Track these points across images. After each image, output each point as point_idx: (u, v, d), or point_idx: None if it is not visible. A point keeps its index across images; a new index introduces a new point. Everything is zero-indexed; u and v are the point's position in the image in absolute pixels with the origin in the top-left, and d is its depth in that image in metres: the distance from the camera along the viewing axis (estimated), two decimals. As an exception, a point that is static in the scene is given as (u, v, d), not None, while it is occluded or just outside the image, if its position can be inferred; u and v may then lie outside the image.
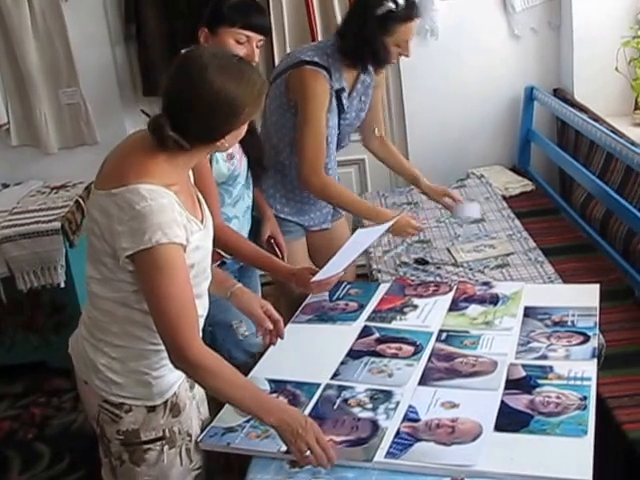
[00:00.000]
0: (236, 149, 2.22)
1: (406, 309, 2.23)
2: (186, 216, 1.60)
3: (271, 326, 1.98)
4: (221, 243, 2.04)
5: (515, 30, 3.58)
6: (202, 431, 1.80)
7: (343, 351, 2.05)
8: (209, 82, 1.53)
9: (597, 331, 2.00)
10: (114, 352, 1.67)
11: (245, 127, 1.67)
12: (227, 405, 1.85)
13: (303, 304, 2.36)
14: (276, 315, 2.00)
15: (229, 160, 2.20)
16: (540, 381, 1.81)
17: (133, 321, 1.66)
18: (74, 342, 1.78)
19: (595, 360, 1.88)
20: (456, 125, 3.73)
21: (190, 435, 1.77)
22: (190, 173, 1.77)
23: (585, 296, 2.17)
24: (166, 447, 1.72)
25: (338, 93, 2.44)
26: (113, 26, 3.63)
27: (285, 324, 2.08)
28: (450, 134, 3.74)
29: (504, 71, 3.65)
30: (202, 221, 1.72)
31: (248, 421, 1.78)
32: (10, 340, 3.47)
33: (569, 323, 2.05)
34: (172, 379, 1.71)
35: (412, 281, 2.44)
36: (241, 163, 2.26)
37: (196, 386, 1.83)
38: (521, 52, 3.63)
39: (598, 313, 2.08)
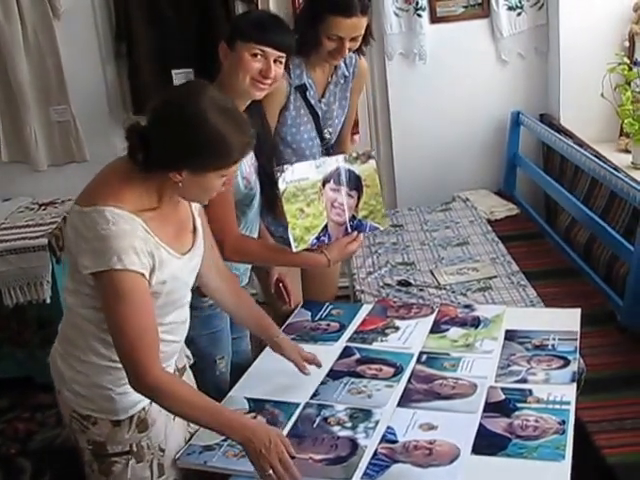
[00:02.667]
0: (252, 174, 2.17)
1: (387, 330, 2.24)
2: (154, 242, 1.60)
3: (309, 372, 2.00)
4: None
5: (502, 55, 3.61)
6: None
7: (323, 371, 2.05)
8: (203, 114, 1.52)
9: (577, 355, 2.01)
10: (79, 366, 1.71)
11: (213, 184, 1.62)
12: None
13: (285, 323, 2.37)
14: (310, 356, 2.03)
15: (247, 183, 2.16)
16: (519, 404, 1.81)
17: (97, 337, 1.68)
18: (52, 353, 1.82)
19: (574, 384, 1.88)
20: (442, 148, 3.75)
21: (163, 450, 1.77)
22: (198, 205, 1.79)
23: (566, 320, 2.18)
24: (132, 461, 1.74)
25: (302, 90, 2.41)
26: (104, 44, 3.65)
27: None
28: (436, 157, 3.76)
29: (491, 95, 3.68)
30: (186, 252, 1.71)
31: (226, 440, 1.77)
32: (-4, 356, 3.46)
33: (549, 347, 2.06)
34: (138, 397, 1.69)
35: (394, 302, 2.44)
36: (256, 187, 2.22)
37: None
38: (508, 77, 3.66)
39: (579, 337, 2.09)
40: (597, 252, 2.90)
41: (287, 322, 2.38)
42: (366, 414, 1.84)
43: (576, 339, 2.08)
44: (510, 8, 3.53)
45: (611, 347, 2.44)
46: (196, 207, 1.81)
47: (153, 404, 1.73)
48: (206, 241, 1.85)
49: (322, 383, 2.00)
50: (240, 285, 2.16)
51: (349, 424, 1.80)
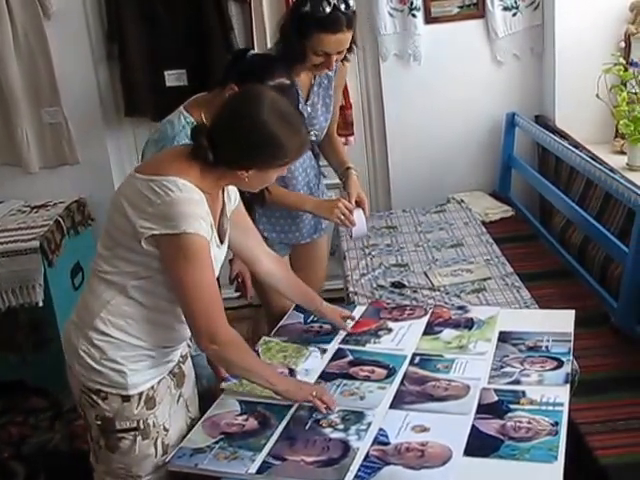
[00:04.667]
0: None
1: (380, 332, 2.23)
2: (211, 222, 1.74)
3: (349, 328, 2.25)
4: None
5: (497, 56, 3.60)
6: (190, 428, 1.89)
7: (316, 374, 2.04)
8: (262, 120, 1.68)
9: (571, 357, 2.00)
10: (96, 339, 1.76)
11: (273, 177, 1.81)
12: (197, 426, 1.88)
13: (278, 325, 2.36)
14: (348, 313, 2.31)
15: None
16: (512, 406, 1.80)
17: (121, 312, 1.75)
18: (66, 327, 1.87)
19: (568, 386, 1.87)
20: (437, 149, 3.74)
21: (167, 430, 1.84)
22: (237, 201, 1.97)
23: (560, 322, 2.17)
24: (139, 438, 1.79)
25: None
26: (96, 45, 3.64)
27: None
28: (431, 158, 3.75)
29: (486, 96, 3.67)
30: (222, 241, 1.86)
31: (217, 442, 1.78)
32: (-13, 359, 3.44)
33: (543, 348, 2.05)
34: (149, 375, 1.80)
35: (388, 304, 2.43)
36: None
37: (184, 384, 1.96)
38: (503, 78, 3.65)
39: (572, 339, 2.07)
40: (592, 253, 2.90)
41: (279, 324, 2.37)
42: (358, 416, 1.83)
43: (570, 340, 2.07)
44: (505, 8, 3.53)
45: (605, 348, 2.44)
46: (230, 200, 1.93)
47: (161, 384, 1.84)
48: (251, 231, 2.08)
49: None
50: None
51: (341, 426, 1.79)
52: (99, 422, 1.80)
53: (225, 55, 3.48)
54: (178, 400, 1.93)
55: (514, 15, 3.54)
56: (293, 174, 2.54)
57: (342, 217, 2.44)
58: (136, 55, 3.57)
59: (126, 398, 1.77)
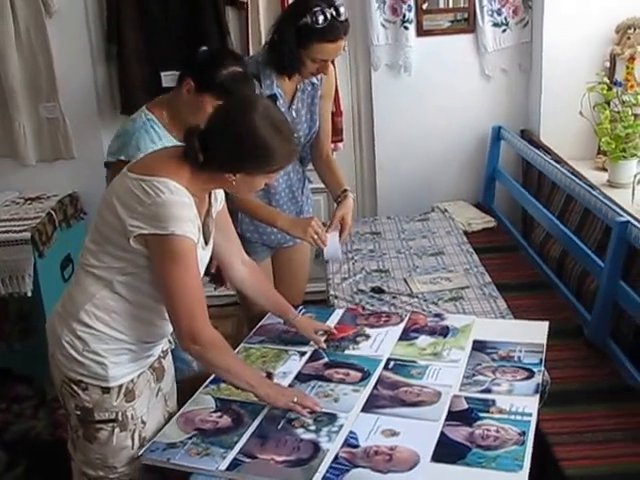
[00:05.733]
0: None
1: (359, 338, 2.27)
2: (199, 225, 1.78)
3: (324, 346, 2.23)
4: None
5: (486, 70, 3.67)
6: (167, 422, 1.93)
7: (291, 374, 2.08)
8: (254, 126, 1.72)
9: (542, 367, 2.04)
10: (80, 330, 1.80)
11: (260, 183, 1.84)
12: (172, 421, 1.92)
13: (258, 325, 2.40)
14: (325, 327, 2.30)
15: None
16: (481, 414, 1.84)
17: (106, 305, 1.79)
18: (50, 318, 1.91)
19: (537, 396, 1.91)
20: (424, 159, 3.80)
21: (144, 422, 1.88)
22: (222, 203, 2.00)
23: (534, 333, 2.21)
24: (117, 429, 1.83)
25: (272, 100, 2.42)
26: (95, 44, 3.67)
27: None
28: (418, 167, 3.81)
29: (473, 109, 3.73)
30: (206, 242, 1.89)
31: (190, 438, 1.82)
32: (-24, 346, 3.47)
33: (515, 358, 2.08)
34: (129, 368, 1.84)
35: (363, 309, 2.48)
36: None
37: (164, 379, 2.01)
38: (491, 92, 3.72)
39: (545, 350, 2.11)
40: (569, 267, 2.95)
41: (259, 324, 2.41)
42: (331, 418, 1.86)
43: (542, 352, 2.10)
44: (495, 24, 3.59)
45: (577, 361, 2.49)
46: (216, 203, 1.96)
47: (141, 377, 1.88)
48: (231, 235, 2.10)
49: (290, 386, 2.02)
50: None
51: (313, 427, 1.83)
52: (78, 412, 1.84)
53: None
54: (157, 394, 1.97)
55: (504, 31, 3.61)
56: (275, 187, 2.58)
57: (315, 237, 2.44)
58: (134, 55, 3.60)
59: (106, 390, 1.81)
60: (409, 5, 3.53)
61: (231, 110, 1.80)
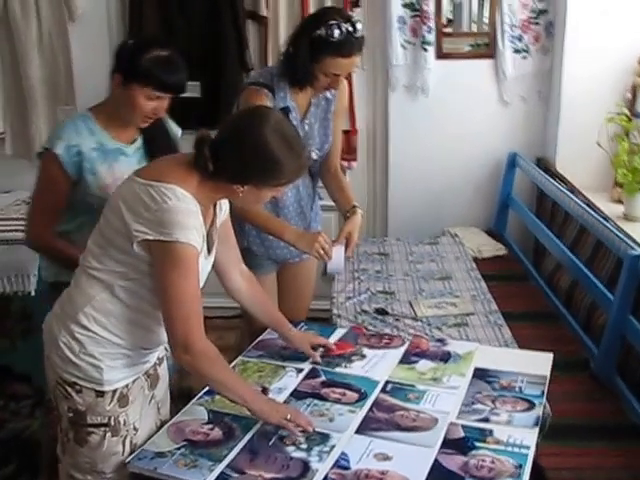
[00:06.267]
0: None
1: (353, 357, 2.23)
2: (204, 234, 1.78)
3: (320, 360, 2.20)
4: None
5: (504, 96, 3.65)
6: (158, 430, 1.91)
7: (287, 391, 2.05)
8: (265, 139, 1.71)
9: (544, 400, 1.99)
10: (77, 332, 1.79)
11: (267, 196, 1.84)
12: (162, 430, 1.89)
13: (257, 339, 2.37)
14: (322, 341, 2.28)
15: None
16: (478, 444, 1.79)
17: (105, 309, 1.78)
18: (48, 317, 1.90)
19: (537, 429, 1.86)
20: (437, 182, 3.78)
21: (136, 429, 1.86)
22: (226, 213, 1.99)
23: (537, 364, 2.17)
24: (109, 434, 1.81)
25: (285, 112, 2.41)
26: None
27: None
28: (431, 190, 3.78)
29: (490, 135, 3.71)
30: (209, 251, 1.88)
31: (179, 448, 1.79)
32: (-23, 342, 3.45)
33: (516, 389, 2.04)
34: (124, 373, 1.83)
35: (367, 330, 2.44)
36: None
37: (158, 386, 1.99)
38: (508, 118, 3.69)
39: (547, 382, 2.07)
40: (578, 299, 2.91)
41: (259, 338, 2.38)
42: (323, 438, 1.82)
43: (544, 383, 2.06)
44: (516, 51, 3.58)
45: (581, 395, 2.44)
46: (221, 213, 1.96)
47: (136, 383, 1.87)
48: (231, 245, 2.07)
49: (285, 402, 1.99)
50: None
51: (304, 446, 1.79)
52: (71, 414, 1.82)
53: (239, 71, 3.56)
54: (150, 401, 1.95)
55: (524, 58, 3.59)
56: (283, 201, 2.55)
57: (321, 252, 2.40)
58: (152, 64, 3.63)
59: (100, 393, 1.80)
60: (429, 27, 3.53)
61: (243, 122, 1.79)
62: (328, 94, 2.54)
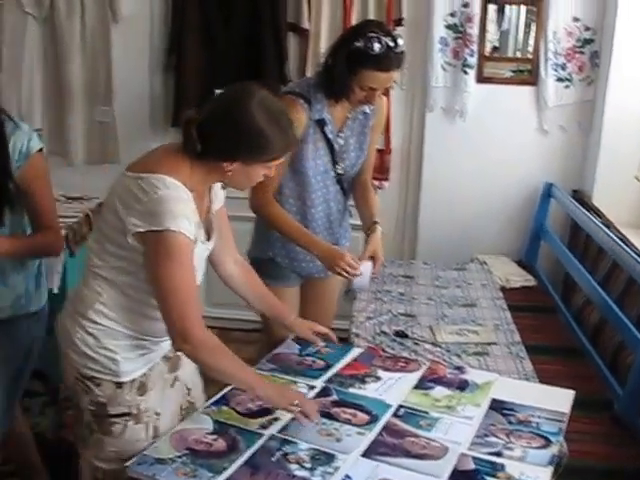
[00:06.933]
0: None
1: (368, 379, 2.18)
2: (197, 221, 1.77)
3: (322, 343, 2.27)
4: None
5: (544, 125, 3.60)
6: (186, 412, 1.98)
7: (297, 407, 1.97)
8: (250, 113, 1.71)
9: (561, 438, 1.91)
10: (90, 327, 1.82)
11: (258, 174, 1.83)
12: (165, 437, 1.86)
13: (272, 352, 2.34)
14: (323, 330, 2.29)
15: None
16: (488, 478, 1.72)
17: (112, 304, 1.81)
18: (61, 315, 1.94)
19: (551, 467, 1.78)
20: (470, 208, 3.73)
21: (158, 414, 1.88)
22: (222, 201, 2.00)
23: (557, 400, 2.09)
24: (131, 422, 1.85)
25: (320, 124, 2.42)
26: (155, 55, 3.75)
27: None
28: (462, 216, 3.74)
29: (526, 163, 3.66)
30: (207, 240, 1.90)
31: (180, 457, 1.75)
32: (-2, 336, 3.47)
33: (533, 424, 1.96)
34: (140, 362, 1.87)
35: (384, 352, 2.39)
36: None
37: (181, 368, 2.00)
38: (546, 148, 3.63)
39: (567, 420, 1.99)
40: (606, 337, 2.83)
41: (274, 351, 2.34)
42: (328, 458, 1.77)
43: (563, 421, 1.98)
44: (559, 79, 3.53)
45: (601, 436, 2.36)
46: (217, 200, 1.98)
47: (154, 370, 1.90)
48: (225, 231, 2.06)
49: (293, 419, 1.93)
50: None
51: (308, 465, 1.74)
52: (93, 407, 1.85)
53: (277, 83, 3.54)
54: (173, 384, 1.98)
55: (566, 87, 3.54)
56: (313, 203, 2.52)
57: (345, 273, 2.39)
58: (191, 70, 3.66)
59: (119, 385, 1.83)
60: (472, 50, 3.50)
61: (228, 98, 1.79)
62: (367, 108, 2.51)
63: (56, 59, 3.72)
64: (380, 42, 2.25)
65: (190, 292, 1.72)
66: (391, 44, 2.26)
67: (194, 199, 1.76)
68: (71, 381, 1.88)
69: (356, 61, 2.28)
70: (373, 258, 2.50)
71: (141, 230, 1.68)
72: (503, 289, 3.16)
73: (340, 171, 2.53)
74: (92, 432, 1.88)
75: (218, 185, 1.97)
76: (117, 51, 3.68)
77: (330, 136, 2.45)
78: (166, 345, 1.94)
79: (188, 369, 2.04)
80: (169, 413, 1.93)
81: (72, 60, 3.67)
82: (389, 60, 2.28)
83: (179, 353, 1.95)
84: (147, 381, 1.88)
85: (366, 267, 2.45)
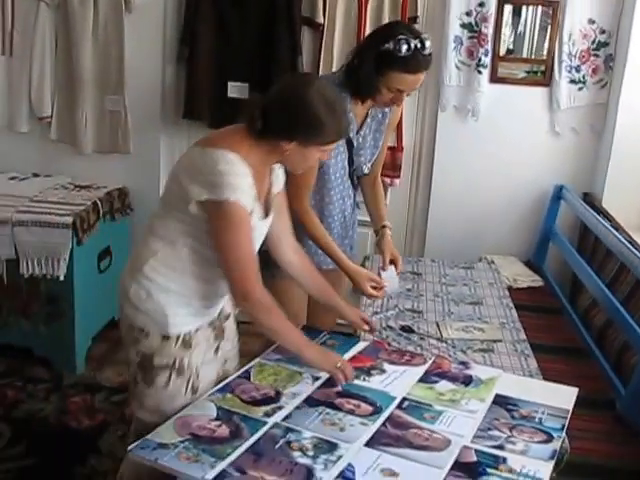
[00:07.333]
0: None
1: (373, 371, 2.19)
2: (254, 196, 1.91)
3: (367, 328, 2.37)
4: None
5: (556, 127, 3.59)
6: (221, 381, 2.09)
7: (301, 397, 2.02)
8: (309, 98, 1.88)
9: (563, 434, 1.92)
10: (144, 282, 1.97)
11: (313, 157, 1.98)
12: (168, 422, 1.87)
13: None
14: (368, 318, 2.41)
15: None
16: (489, 470, 1.73)
17: (167, 262, 1.96)
18: (121, 274, 2.07)
19: (552, 462, 1.79)
20: (479, 207, 3.73)
21: (199, 374, 2.03)
22: (281, 185, 2.14)
23: (561, 397, 2.10)
24: (174, 375, 1.99)
25: None
26: (168, 46, 3.73)
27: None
28: (472, 215, 3.74)
29: (537, 165, 3.65)
30: (264, 218, 2.03)
31: (183, 442, 1.76)
32: (2, 321, 3.51)
33: (536, 420, 1.97)
34: (188, 320, 2.01)
35: (389, 346, 2.40)
36: None
37: (224, 340, 2.17)
38: (558, 150, 3.63)
39: (569, 417, 1.99)
40: (611, 337, 2.84)
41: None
42: (331, 447, 1.78)
43: (566, 417, 1.99)
44: (572, 81, 3.52)
45: (603, 435, 2.37)
46: (277, 183, 2.12)
47: (200, 331, 2.04)
48: (284, 217, 2.19)
49: (297, 408, 1.96)
50: None
51: (311, 453, 1.75)
52: (139, 358, 1.99)
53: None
54: (216, 352, 2.13)
55: (580, 89, 3.53)
56: (331, 199, 2.55)
57: (373, 292, 2.50)
58: (204, 62, 3.65)
59: (165, 337, 1.97)
60: (486, 50, 3.49)
61: (290, 84, 1.99)
62: (386, 108, 2.52)
63: (68, 46, 3.71)
64: (409, 44, 2.26)
65: (249, 257, 1.90)
66: (419, 46, 2.27)
67: (254, 177, 1.89)
68: (124, 332, 2.03)
69: (384, 63, 2.30)
70: (393, 261, 2.62)
71: (202, 199, 1.84)
72: (510, 289, 3.15)
73: (355, 167, 2.56)
74: (136, 384, 2.02)
75: (280, 170, 2.11)
76: (130, 40, 3.66)
77: (351, 134, 2.46)
78: (213, 311, 2.11)
79: (230, 343, 2.21)
80: (208, 377, 2.06)
81: (84, 48, 3.66)
82: (417, 62, 2.29)
83: (224, 326, 2.18)
84: (192, 339, 2.01)
85: (391, 273, 2.61)
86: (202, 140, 1.95)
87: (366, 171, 2.62)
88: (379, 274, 2.59)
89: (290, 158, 1.96)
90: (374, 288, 2.49)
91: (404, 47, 2.25)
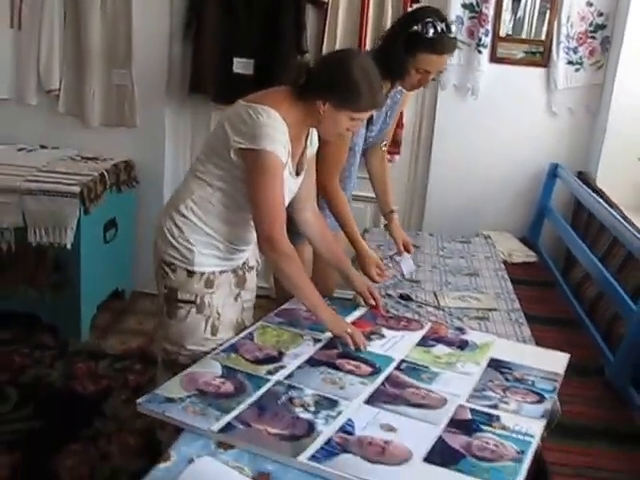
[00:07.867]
0: None
1: (373, 336, 2.26)
2: (289, 150, 2.07)
3: (374, 302, 2.43)
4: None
5: (553, 107, 3.66)
6: (238, 328, 2.26)
7: (303, 357, 2.09)
8: (351, 66, 2.03)
9: (554, 395, 2.00)
10: (178, 219, 2.14)
11: (344, 123, 2.09)
12: (175, 378, 1.94)
13: (281, 307, 2.42)
14: (376, 294, 2.46)
15: None
16: (483, 427, 1.80)
17: (202, 203, 2.12)
18: (158, 213, 2.24)
19: (544, 421, 1.86)
20: (476, 184, 3.79)
21: (219, 314, 2.19)
22: (314, 148, 2.28)
23: (552, 362, 2.18)
24: (194, 310, 2.15)
25: None
26: (175, 21, 3.77)
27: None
28: (469, 192, 3.80)
29: (534, 143, 3.72)
30: (296, 175, 2.18)
31: (190, 396, 1.83)
32: (10, 289, 3.55)
33: (529, 382, 2.05)
34: (213, 262, 2.17)
35: (387, 312, 2.47)
36: None
37: (245, 288, 2.32)
38: (554, 129, 3.70)
39: (560, 380, 2.08)
40: (602, 309, 2.91)
41: (283, 306, 2.42)
42: (331, 403, 1.85)
43: (557, 381, 2.07)
44: (570, 62, 3.58)
45: (592, 400, 2.45)
46: (312, 146, 2.26)
47: (223, 274, 2.20)
48: (310, 179, 2.33)
49: (299, 367, 2.03)
50: None
51: (312, 408, 1.82)
52: (166, 291, 2.16)
53: (293, 53, 3.61)
54: (236, 298, 2.28)
55: (577, 70, 3.60)
56: (350, 173, 2.70)
57: (379, 278, 2.61)
58: (210, 37, 3.69)
59: (190, 273, 2.13)
60: (487, 30, 3.55)
61: (337, 53, 2.25)
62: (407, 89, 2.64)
63: (76, 20, 3.75)
64: (435, 27, 2.39)
65: (280, 206, 2.04)
66: (445, 29, 2.40)
67: (290, 136, 2.05)
68: (155, 267, 2.19)
69: (413, 44, 2.41)
70: (404, 245, 2.82)
71: (242, 147, 2.00)
72: (505, 263, 3.23)
73: (368, 141, 2.69)
74: (162, 315, 2.20)
75: (315, 136, 2.27)
76: (138, 16, 3.70)
77: (374, 114, 2.56)
78: (237, 258, 2.25)
79: (249, 294, 2.37)
80: (228, 320, 2.21)
81: (92, 22, 3.71)
82: (443, 44, 2.42)
83: (246, 276, 2.32)
84: (215, 280, 2.16)
85: (406, 256, 2.82)
86: (248, 97, 2.10)
87: (371, 141, 2.73)
88: (392, 258, 2.80)
89: (323, 122, 2.09)
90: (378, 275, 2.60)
91: (431, 30, 2.38)
